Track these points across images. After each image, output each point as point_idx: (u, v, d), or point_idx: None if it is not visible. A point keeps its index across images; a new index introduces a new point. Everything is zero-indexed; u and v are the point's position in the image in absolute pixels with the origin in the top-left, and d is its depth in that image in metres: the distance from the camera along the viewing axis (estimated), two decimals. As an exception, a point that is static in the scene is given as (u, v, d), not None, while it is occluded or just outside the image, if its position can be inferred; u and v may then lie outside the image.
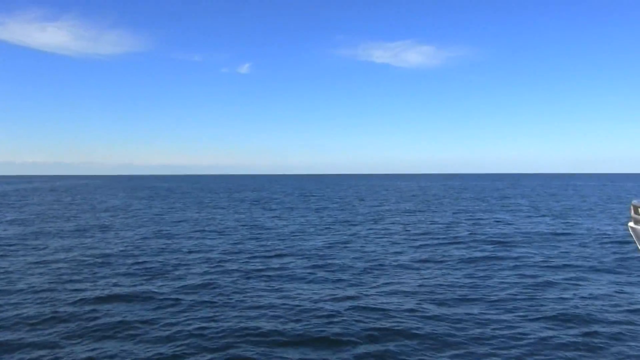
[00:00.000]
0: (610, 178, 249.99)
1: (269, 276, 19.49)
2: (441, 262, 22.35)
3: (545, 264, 21.47)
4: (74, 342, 12.27)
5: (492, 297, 16.13)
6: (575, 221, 38.99)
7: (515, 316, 14.08)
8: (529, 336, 12.46)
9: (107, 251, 25.30)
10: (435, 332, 12.83)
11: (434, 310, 14.71)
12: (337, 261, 22.59)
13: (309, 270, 20.57)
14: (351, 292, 17.01)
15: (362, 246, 27.04)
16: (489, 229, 34.09)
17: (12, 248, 26.39)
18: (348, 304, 15.43)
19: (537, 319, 13.77)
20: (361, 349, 11.78)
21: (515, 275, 19.43)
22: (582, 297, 16.00)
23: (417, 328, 13.11)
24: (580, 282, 18.16)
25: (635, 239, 12.40)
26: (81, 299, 16.03)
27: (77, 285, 17.93)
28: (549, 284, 17.86)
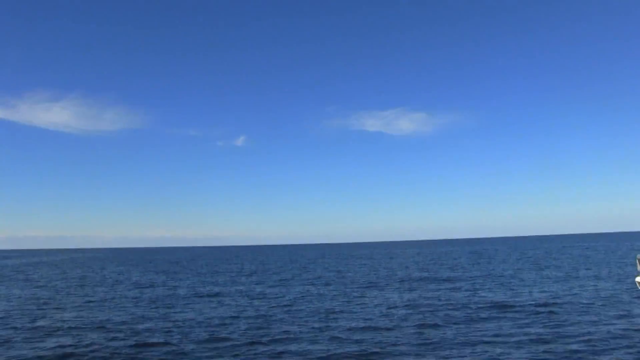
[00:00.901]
0: (615, 237, 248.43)
1: (270, 341, 19.63)
2: (438, 324, 22.51)
3: (550, 328, 21.45)
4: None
5: None
6: (579, 283, 38.88)
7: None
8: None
9: (106, 321, 25.37)
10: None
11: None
12: (336, 324, 22.74)
13: (309, 335, 20.71)
14: (350, 349, 17.19)
15: (360, 310, 27.16)
16: (488, 294, 34.22)
17: (13, 318, 26.42)
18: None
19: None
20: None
21: (517, 341, 19.59)
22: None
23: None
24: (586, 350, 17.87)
25: None
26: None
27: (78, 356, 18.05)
28: (554, 353, 17.12)
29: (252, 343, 19.34)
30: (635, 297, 28.21)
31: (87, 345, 19.27)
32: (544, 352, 16.57)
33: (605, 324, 21.02)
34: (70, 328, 23.44)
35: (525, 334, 19.45)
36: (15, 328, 23.80)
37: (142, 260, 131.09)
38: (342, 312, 26.92)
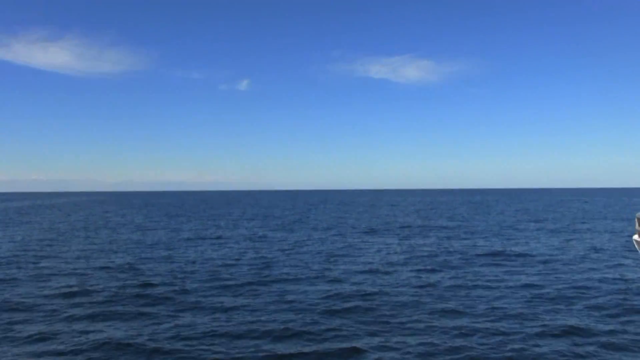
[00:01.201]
0: (613, 193, 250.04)
1: (271, 282, 20.19)
2: (435, 269, 23.07)
3: (542, 275, 21.90)
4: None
5: (485, 319, 16.79)
6: (574, 236, 39.36)
7: (511, 329, 14.67)
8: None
9: (109, 262, 26.04)
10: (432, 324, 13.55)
11: (428, 303, 15.42)
12: (336, 267, 23.33)
13: (310, 276, 21.27)
14: (349, 290, 17.74)
15: (360, 255, 27.76)
16: (485, 243, 34.81)
17: (17, 259, 27.09)
18: (346, 303, 16.17)
19: (534, 335, 13.40)
20: (363, 340, 12.49)
21: (510, 286, 20.13)
22: (584, 308, 15.76)
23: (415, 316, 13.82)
24: (576, 300, 17.60)
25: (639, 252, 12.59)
26: (87, 313, 16.75)
27: (83, 299, 18.65)
28: (547, 298, 17.28)
29: (253, 283, 19.92)
30: (627, 250, 28.83)
31: (91, 285, 19.82)
32: (534, 297, 17.10)
33: (595, 273, 21.58)
34: (74, 269, 23.98)
35: (518, 280, 19.98)
36: (19, 268, 24.29)
37: (145, 204, 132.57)
38: (342, 256, 27.53)
